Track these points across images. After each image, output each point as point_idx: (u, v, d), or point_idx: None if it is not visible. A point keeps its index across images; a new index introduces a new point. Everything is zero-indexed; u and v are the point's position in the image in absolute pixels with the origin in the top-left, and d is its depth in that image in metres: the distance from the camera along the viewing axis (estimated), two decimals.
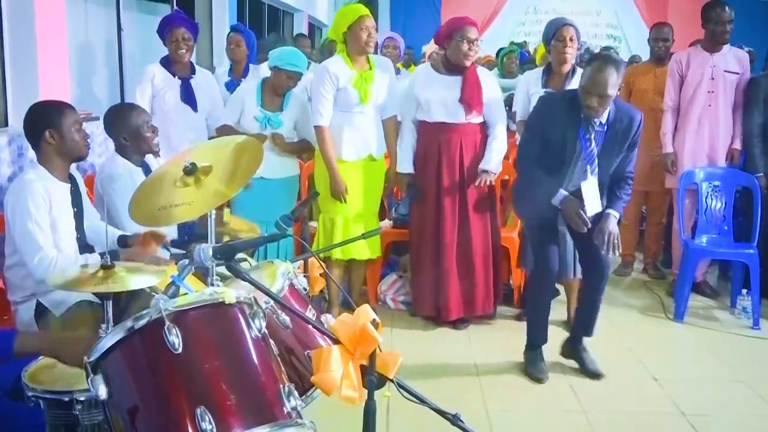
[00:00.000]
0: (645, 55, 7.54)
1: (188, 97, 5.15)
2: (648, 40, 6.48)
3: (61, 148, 3.38)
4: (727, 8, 5.65)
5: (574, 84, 4.83)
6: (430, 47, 7.69)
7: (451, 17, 5.10)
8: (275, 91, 5.10)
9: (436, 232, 5.00)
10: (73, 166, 3.55)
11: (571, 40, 4.98)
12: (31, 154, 3.64)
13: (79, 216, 3.52)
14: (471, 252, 5.00)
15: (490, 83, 5.04)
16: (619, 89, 4.10)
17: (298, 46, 6.53)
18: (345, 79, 4.88)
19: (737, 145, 5.76)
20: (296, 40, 8.45)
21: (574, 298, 5.14)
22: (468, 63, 4.88)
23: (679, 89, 5.85)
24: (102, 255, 2.73)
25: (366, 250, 5.12)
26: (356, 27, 4.83)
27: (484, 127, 5.01)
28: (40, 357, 2.68)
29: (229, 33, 6.49)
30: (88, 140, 3.49)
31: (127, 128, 3.99)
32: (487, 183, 4.96)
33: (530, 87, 5.26)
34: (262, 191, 4.87)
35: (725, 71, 5.70)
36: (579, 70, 4.91)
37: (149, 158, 4.18)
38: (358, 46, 4.87)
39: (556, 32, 5.04)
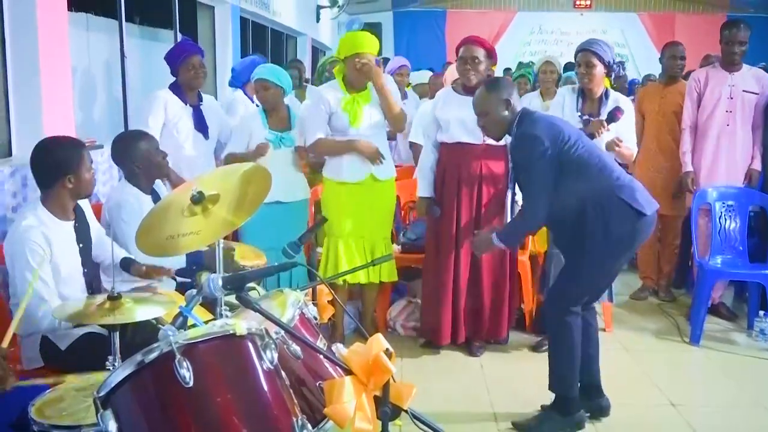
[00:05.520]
0: (656, 73, 7.46)
1: (200, 124, 5.11)
2: (661, 58, 6.35)
3: (76, 191, 3.35)
4: (742, 28, 5.57)
5: (608, 108, 4.74)
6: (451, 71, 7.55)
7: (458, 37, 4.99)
8: (269, 106, 5.06)
9: (454, 254, 4.87)
10: None
11: (587, 65, 4.78)
12: (34, 183, 3.55)
13: (85, 251, 3.47)
14: (482, 274, 4.87)
15: None
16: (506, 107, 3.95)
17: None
18: (336, 102, 4.87)
19: (756, 166, 5.64)
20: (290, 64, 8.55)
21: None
22: (471, 82, 4.78)
23: (697, 108, 5.76)
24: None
25: (381, 273, 5.05)
26: (351, 60, 4.82)
27: (504, 150, 4.71)
28: (48, 390, 2.63)
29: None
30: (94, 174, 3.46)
31: (140, 156, 3.99)
32: None
33: (565, 112, 4.93)
34: (273, 215, 4.71)
35: (744, 91, 5.61)
36: (613, 94, 4.83)
37: (159, 186, 4.15)
38: (351, 77, 4.89)
39: (576, 57, 4.89)
